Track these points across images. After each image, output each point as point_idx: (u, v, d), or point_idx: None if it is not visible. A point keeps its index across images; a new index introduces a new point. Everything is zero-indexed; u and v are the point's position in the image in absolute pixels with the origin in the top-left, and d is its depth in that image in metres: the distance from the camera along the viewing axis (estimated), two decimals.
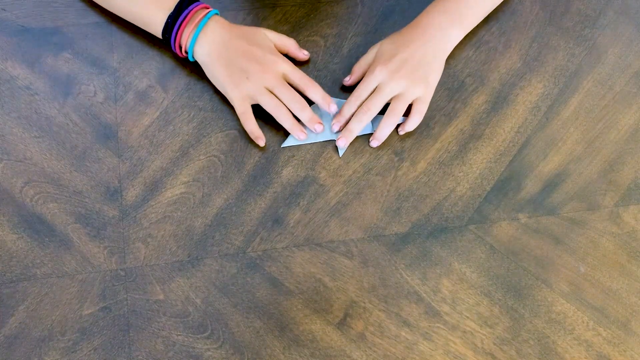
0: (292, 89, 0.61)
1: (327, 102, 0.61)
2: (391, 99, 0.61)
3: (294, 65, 0.61)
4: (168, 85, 0.64)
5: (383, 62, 0.60)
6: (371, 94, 0.61)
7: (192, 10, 0.59)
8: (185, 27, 0.59)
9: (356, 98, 0.61)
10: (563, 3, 0.69)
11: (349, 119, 0.62)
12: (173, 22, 0.59)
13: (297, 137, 0.61)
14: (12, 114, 0.62)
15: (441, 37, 0.62)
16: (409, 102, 0.61)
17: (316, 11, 0.67)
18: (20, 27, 0.65)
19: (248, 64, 0.59)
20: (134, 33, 0.65)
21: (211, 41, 0.60)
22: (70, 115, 0.62)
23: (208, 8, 0.61)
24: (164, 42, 0.62)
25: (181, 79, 0.64)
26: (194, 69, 0.64)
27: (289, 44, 0.64)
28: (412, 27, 0.62)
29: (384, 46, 0.62)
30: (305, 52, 0.64)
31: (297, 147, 0.63)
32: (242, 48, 0.60)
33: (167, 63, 0.64)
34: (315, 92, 0.61)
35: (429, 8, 0.63)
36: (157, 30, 0.61)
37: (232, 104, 0.61)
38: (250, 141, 0.63)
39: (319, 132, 0.62)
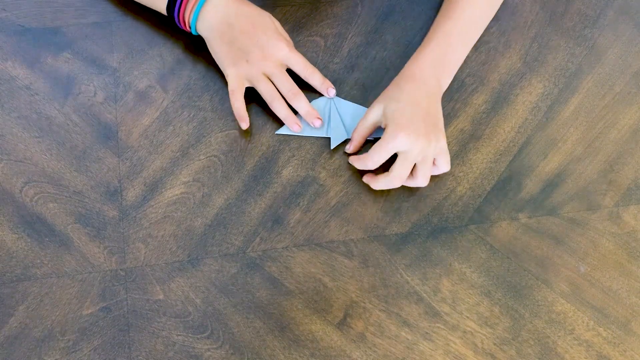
0: (291, 80, 0.60)
1: (325, 87, 0.62)
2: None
3: (296, 52, 0.61)
4: (168, 85, 0.64)
5: (403, 128, 0.57)
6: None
7: None
8: (187, 1, 0.59)
9: (373, 159, 0.58)
10: (563, 3, 0.69)
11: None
12: None
13: (290, 128, 0.61)
14: (12, 114, 0.62)
15: (435, 85, 0.60)
16: (433, 159, 0.59)
17: (316, 11, 0.67)
18: (20, 27, 0.65)
19: (250, 47, 0.59)
20: (134, 33, 0.65)
21: (214, 15, 0.59)
22: (70, 115, 0.62)
23: None
24: (170, 20, 0.62)
25: (181, 79, 0.64)
26: (194, 69, 0.64)
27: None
28: (409, 81, 0.60)
29: (391, 106, 0.58)
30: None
31: (297, 147, 0.63)
32: (246, 28, 0.59)
33: (167, 63, 0.64)
34: (315, 77, 0.61)
35: (419, 59, 0.61)
36: (161, 7, 0.61)
37: (227, 79, 0.61)
38: (251, 141, 0.63)
39: (318, 127, 0.62)
